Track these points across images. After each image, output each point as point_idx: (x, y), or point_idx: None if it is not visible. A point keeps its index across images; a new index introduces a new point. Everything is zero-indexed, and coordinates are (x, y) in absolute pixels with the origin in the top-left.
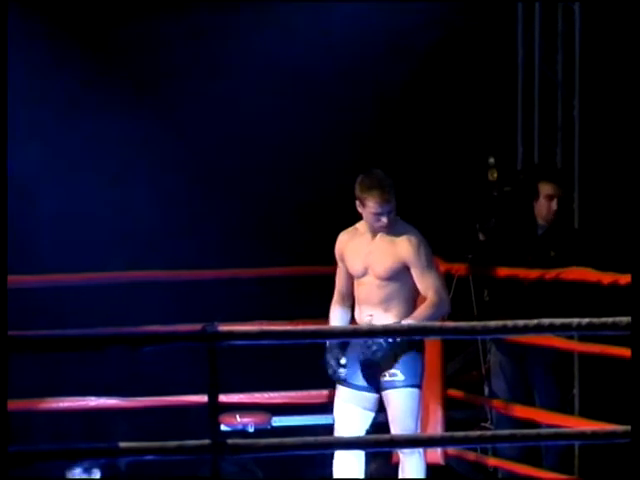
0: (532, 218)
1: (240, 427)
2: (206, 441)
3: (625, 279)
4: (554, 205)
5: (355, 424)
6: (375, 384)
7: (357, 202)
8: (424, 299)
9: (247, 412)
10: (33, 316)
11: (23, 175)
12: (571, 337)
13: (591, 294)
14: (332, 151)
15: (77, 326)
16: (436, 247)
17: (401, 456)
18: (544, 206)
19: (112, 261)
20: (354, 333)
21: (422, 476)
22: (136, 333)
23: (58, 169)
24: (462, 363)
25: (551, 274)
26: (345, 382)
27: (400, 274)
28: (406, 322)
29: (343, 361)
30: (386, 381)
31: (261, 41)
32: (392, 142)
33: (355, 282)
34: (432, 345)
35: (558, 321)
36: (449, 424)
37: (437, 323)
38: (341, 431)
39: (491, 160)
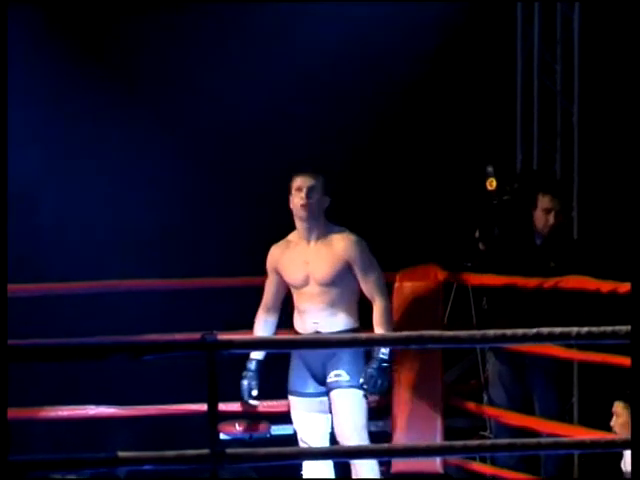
0: (531, 227)
1: (239, 436)
2: (205, 450)
3: (624, 288)
4: (551, 219)
5: (316, 429)
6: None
7: (289, 198)
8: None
9: (246, 421)
10: (31, 325)
11: (22, 183)
12: (570, 346)
13: (590, 303)
14: (331, 159)
15: (76, 335)
16: (435, 255)
17: (352, 467)
18: (541, 218)
19: (110, 270)
20: (352, 342)
21: (374, 473)
22: (136, 342)
23: (56, 177)
24: (461, 372)
25: (550, 283)
26: (296, 392)
27: (342, 277)
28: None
29: (255, 393)
30: (332, 382)
31: (260, 43)
32: (390, 150)
33: (295, 293)
34: (431, 354)
35: (557, 330)
36: (448, 433)
37: (436, 332)
38: (306, 440)
39: (489, 169)
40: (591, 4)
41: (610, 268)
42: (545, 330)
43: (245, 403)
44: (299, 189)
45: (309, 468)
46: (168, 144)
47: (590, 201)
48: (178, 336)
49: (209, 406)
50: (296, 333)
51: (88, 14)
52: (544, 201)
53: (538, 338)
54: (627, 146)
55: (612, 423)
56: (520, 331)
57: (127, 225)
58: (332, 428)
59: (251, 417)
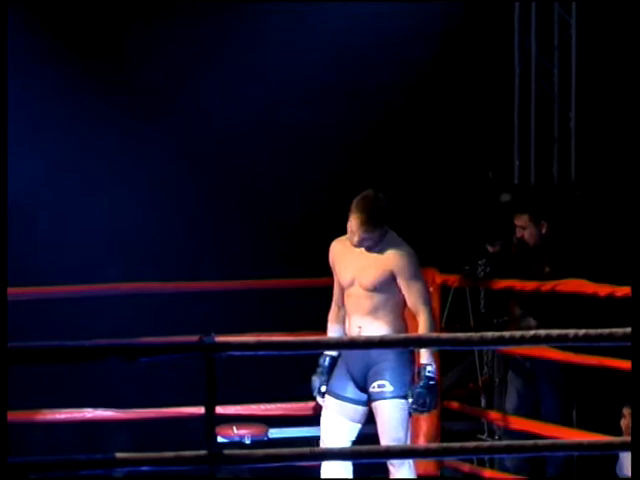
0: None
1: (237, 439)
2: (203, 452)
3: (622, 291)
4: (518, 233)
5: (342, 436)
6: (365, 396)
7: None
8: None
9: (244, 424)
10: (28, 328)
11: (20, 187)
12: (576, 349)
13: (588, 306)
14: (330, 165)
15: (73, 337)
16: (432, 259)
17: (391, 468)
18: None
19: (108, 272)
20: (351, 344)
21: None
22: (133, 344)
23: (55, 181)
24: (458, 375)
25: (547, 286)
26: (333, 393)
27: (387, 285)
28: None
29: (324, 389)
30: (375, 392)
31: (260, 45)
32: (388, 154)
33: (344, 293)
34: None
35: (555, 332)
36: (445, 436)
37: (434, 334)
38: (327, 442)
39: (490, 175)
40: (589, 9)
41: (607, 273)
42: (543, 332)
43: (314, 399)
44: (351, 229)
45: (327, 470)
46: (166, 148)
47: (587, 206)
48: (176, 338)
49: (207, 408)
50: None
51: (85, 18)
52: (515, 219)
53: (535, 340)
54: (625, 151)
55: (622, 425)
56: (518, 333)
57: (124, 228)
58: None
59: (249, 420)
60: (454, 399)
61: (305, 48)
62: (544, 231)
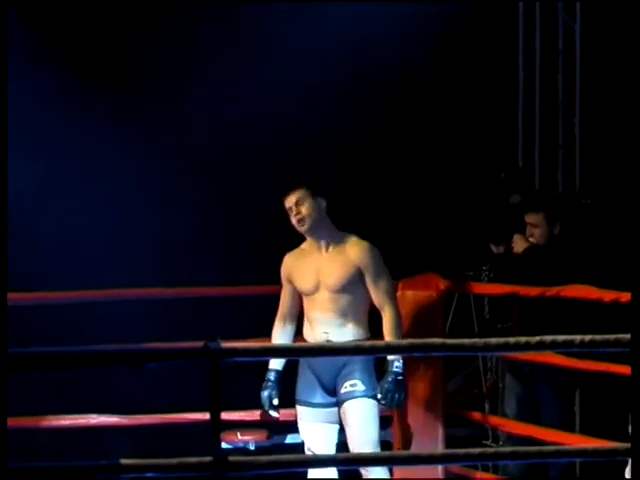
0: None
1: (241, 445)
2: (208, 458)
3: (626, 297)
4: (528, 232)
5: (323, 440)
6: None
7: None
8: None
9: (248, 430)
10: (31, 334)
11: (22, 192)
12: (577, 355)
13: (593, 311)
14: (331, 166)
15: (78, 343)
16: (436, 264)
17: (363, 471)
18: (528, 233)
19: (112, 278)
20: (356, 350)
21: None
22: (138, 350)
23: (57, 187)
24: (462, 381)
25: (552, 292)
26: (303, 402)
27: (353, 284)
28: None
29: (276, 402)
30: (346, 392)
31: (258, 46)
32: (391, 158)
33: (306, 301)
34: (433, 363)
35: (560, 338)
36: (449, 442)
37: (439, 339)
38: (313, 449)
39: (502, 175)
40: (593, 15)
41: (612, 278)
42: (548, 338)
43: (265, 413)
44: (289, 210)
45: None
46: (169, 153)
47: (592, 212)
48: (180, 344)
49: (212, 413)
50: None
51: (84, 20)
52: (526, 217)
53: (541, 346)
54: (628, 157)
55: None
56: (523, 339)
57: (128, 234)
58: (339, 438)
59: (253, 426)
60: (458, 405)
61: (306, 48)
62: (556, 232)
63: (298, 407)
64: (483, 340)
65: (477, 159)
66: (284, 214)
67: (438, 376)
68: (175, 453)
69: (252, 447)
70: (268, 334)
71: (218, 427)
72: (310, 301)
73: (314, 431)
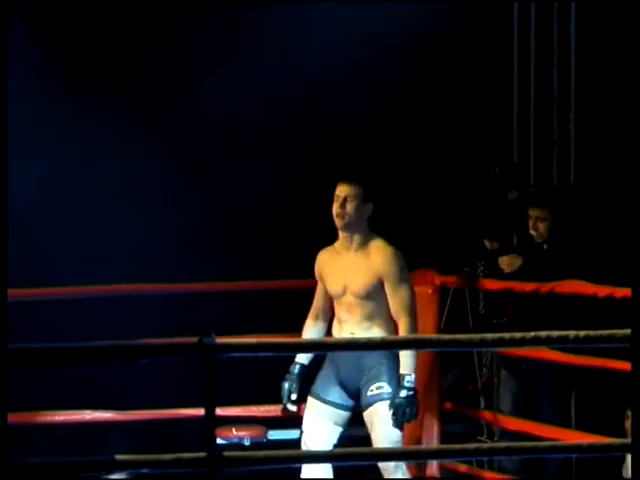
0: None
1: (236, 440)
2: (203, 454)
3: (621, 292)
4: (538, 227)
5: (324, 438)
6: (355, 402)
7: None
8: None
9: (243, 425)
10: (27, 330)
11: (21, 189)
12: (573, 351)
13: (588, 307)
14: (330, 164)
15: (72, 339)
16: (431, 260)
17: (385, 474)
18: (531, 228)
19: (107, 274)
20: (349, 346)
21: None
22: (133, 345)
23: (55, 182)
24: (457, 377)
25: (546, 287)
26: (316, 395)
27: (377, 291)
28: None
29: (294, 397)
30: (373, 394)
31: (255, 46)
32: (386, 154)
33: (335, 303)
34: (428, 358)
35: (555, 334)
36: (444, 438)
37: (434, 335)
38: (309, 444)
39: (496, 171)
40: (587, 10)
41: (607, 273)
42: (543, 334)
43: (284, 407)
44: (337, 198)
45: (307, 473)
46: (165, 150)
47: (587, 208)
48: (175, 340)
49: (207, 409)
50: None
51: (82, 19)
52: (531, 210)
53: (536, 342)
54: (625, 153)
55: (626, 426)
56: (518, 335)
57: (123, 230)
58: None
59: (248, 422)
60: (453, 401)
61: (304, 47)
62: (559, 226)
63: (310, 399)
64: (479, 336)
65: (472, 155)
66: (285, 211)
67: (433, 372)
68: (170, 449)
69: (247, 443)
70: (265, 329)
71: (213, 423)
72: (338, 303)
73: (317, 426)
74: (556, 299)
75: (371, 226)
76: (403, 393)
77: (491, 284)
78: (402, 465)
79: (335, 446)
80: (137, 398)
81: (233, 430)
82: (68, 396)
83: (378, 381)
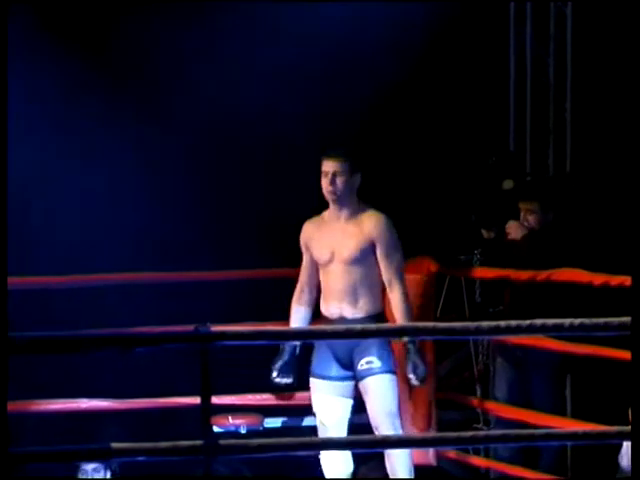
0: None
1: (232, 428)
2: (199, 442)
3: (616, 280)
4: (522, 218)
5: (336, 414)
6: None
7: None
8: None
9: (239, 413)
10: (21, 319)
11: (15, 177)
12: (569, 339)
13: (584, 294)
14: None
15: (68, 328)
16: (428, 248)
17: (388, 450)
18: (522, 220)
19: (102, 263)
20: (346, 334)
21: (409, 470)
22: (128, 334)
23: (50, 171)
24: (453, 365)
25: (542, 275)
26: (319, 375)
27: (366, 256)
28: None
29: (288, 381)
30: (363, 369)
31: (251, 41)
32: (382, 144)
33: (321, 271)
34: (424, 346)
35: (550, 322)
36: (440, 426)
37: (430, 323)
38: (324, 422)
39: (493, 160)
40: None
41: (604, 261)
42: (539, 322)
43: (309, 389)
44: (325, 174)
45: (327, 456)
46: (161, 138)
47: (583, 197)
48: (171, 328)
49: (202, 398)
50: (322, 318)
51: (84, 11)
52: (521, 203)
53: (531, 330)
54: (623, 142)
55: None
56: (514, 323)
57: (117, 218)
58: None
59: (244, 410)
60: (449, 388)
61: (299, 40)
62: (550, 218)
63: (313, 380)
64: (474, 324)
65: (469, 144)
66: (279, 200)
67: (429, 360)
68: (167, 437)
69: (243, 431)
70: (259, 318)
71: (209, 411)
72: (325, 273)
73: (327, 404)
74: (552, 287)
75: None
76: (413, 351)
77: (487, 272)
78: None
79: (349, 419)
80: (133, 386)
81: (229, 418)
82: (63, 384)
83: (368, 355)
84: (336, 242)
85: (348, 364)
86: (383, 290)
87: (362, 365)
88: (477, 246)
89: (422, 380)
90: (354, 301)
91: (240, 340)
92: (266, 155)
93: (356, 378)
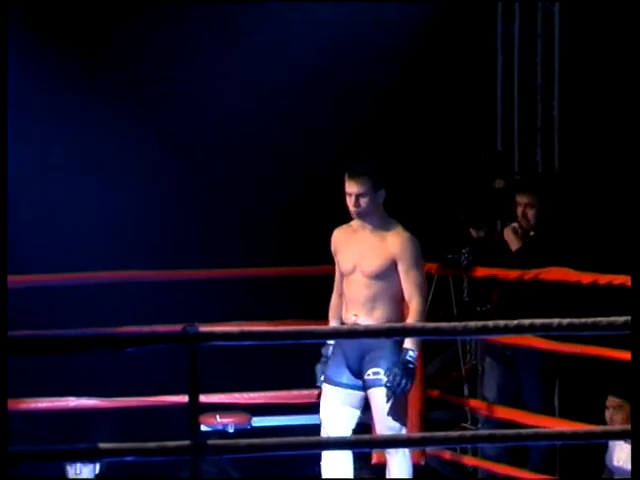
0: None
1: (220, 427)
2: (186, 442)
3: (605, 279)
4: (527, 213)
5: (342, 422)
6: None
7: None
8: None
9: (227, 412)
10: (10, 317)
11: (7, 176)
12: (557, 338)
13: (573, 294)
14: (317, 151)
15: (56, 327)
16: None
17: (387, 455)
18: (519, 214)
19: (93, 262)
20: (335, 334)
21: (408, 473)
22: (117, 334)
23: (40, 170)
24: (441, 364)
25: (530, 274)
26: (330, 380)
27: (388, 273)
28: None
29: (322, 378)
30: (370, 379)
31: (248, 43)
32: (373, 144)
33: (344, 280)
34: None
35: (538, 321)
36: (428, 425)
37: (418, 323)
38: (328, 429)
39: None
40: None
41: (591, 260)
42: (527, 321)
43: (318, 387)
44: (349, 195)
45: (328, 457)
46: (152, 136)
47: (570, 195)
48: (159, 328)
49: (190, 398)
50: (342, 324)
51: (78, 12)
52: (518, 197)
53: (520, 329)
54: (612, 140)
55: (607, 416)
56: (502, 322)
57: (108, 217)
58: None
59: (232, 409)
60: (437, 388)
61: (293, 40)
62: (546, 213)
63: (325, 385)
64: (462, 324)
65: (457, 142)
66: (270, 199)
67: (417, 359)
68: (155, 436)
69: (231, 430)
70: (247, 317)
71: (196, 411)
72: (347, 282)
73: (334, 410)
74: (540, 286)
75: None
76: (401, 364)
77: (475, 271)
78: (403, 449)
79: (354, 430)
80: (121, 385)
81: (217, 417)
82: (51, 383)
83: (375, 366)
84: (359, 255)
85: (356, 372)
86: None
87: (369, 375)
88: (465, 245)
89: (395, 392)
90: (371, 311)
91: (229, 340)
92: (256, 154)
93: (364, 386)
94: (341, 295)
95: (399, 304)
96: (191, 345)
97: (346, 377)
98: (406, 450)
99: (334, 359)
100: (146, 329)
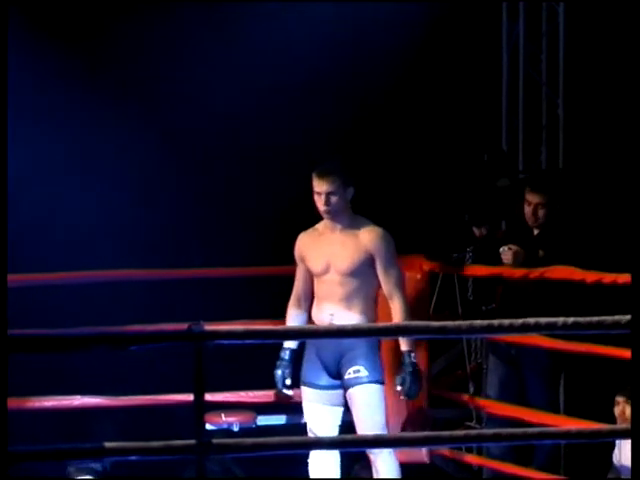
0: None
1: (225, 426)
2: (192, 441)
3: (609, 278)
4: (537, 212)
5: (326, 422)
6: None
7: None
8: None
9: (232, 411)
10: (13, 316)
11: (7, 176)
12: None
13: (578, 292)
14: (317, 151)
15: (61, 326)
16: (420, 246)
17: (371, 456)
18: (528, 212)
19: (93, 261)
20: (338, 332)
21: (396, 473)
22: (122, 333)
23: (38, 170)
24: (447, 363)
25: (535, 273)
26: (309, 383)
27: (363, 269)
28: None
29: (288, 382)
30: (351, 378)
31: (247, 43)
32: (376, 141)
33: (316, 280)
34: (417, 345)
35: (543, 320)
36: (434, 423)
37: (423, 322)
38: (314, 430)
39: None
40: None
41: (597, 259)
42: (532, 320)
43: (279, 392)
44: (318, 194)
45: (315, 459)
46: (149, 135)
47: (575, 193)
48: (165, 326)
49: (195, 396)
50: (313, 324)
51: (78, 12)
52: (528, 195)
53: (524, 329)
54: (616, 138)
55: (616, 412)
56: (506, 321)
57: (109, 216)
58: (342, 419)
59: (237, 407)
60: (442, 386)
61: (293, 40)
62: (555, 213)
63: (303, 388)
64: (467, 323)
65: (461, 141)
66: (271, 198)
67: (422, 358)
68: (161, 435)
69: (236, 428)
70: (252, 315)
71: (202, 410)
72: (319, 282)
73: (318, 412)
74: (545, 285)
75: (359, 213)
76: (409, 369)
77: (480, 270)
78: (388, 449)
79: (340, 426)
80: (127, 384)
81: (222, 415)
82: (56, 382)
83: (355, 364)
84: (332, 253)
85: (335, 373)
86: (376, 302)
87: (349, 374)
88: (469, 244)
89: (410, 397)
90: (347, 309)
91: (234, 339)
92: (256, 153)
93: (343, 385)
94: (299, 300)
95: (374, 301)
96: (196, 344)
97: (325, 379)
98: (391, 450)
99: (309, 361)
100: (151, 327)
